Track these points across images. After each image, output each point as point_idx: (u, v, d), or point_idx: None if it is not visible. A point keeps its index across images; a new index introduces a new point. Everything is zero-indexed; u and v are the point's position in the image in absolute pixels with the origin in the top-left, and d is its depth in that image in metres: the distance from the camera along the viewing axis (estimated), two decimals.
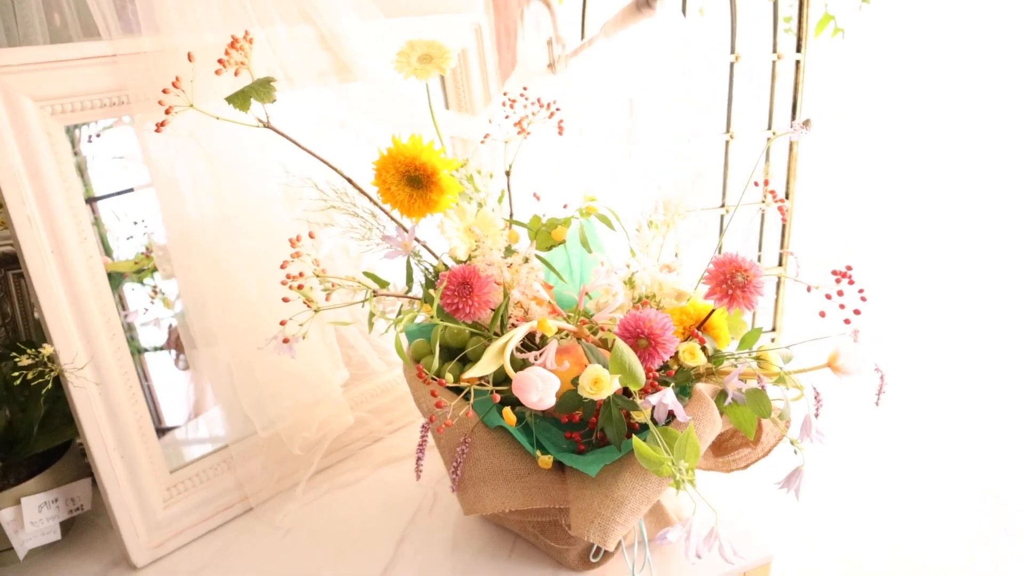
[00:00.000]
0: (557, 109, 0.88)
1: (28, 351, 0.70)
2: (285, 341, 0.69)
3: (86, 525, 0.86)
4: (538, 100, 0.88)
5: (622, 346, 0.62)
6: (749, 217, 1.15)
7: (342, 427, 0.94)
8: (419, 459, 0.70)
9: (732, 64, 1.13)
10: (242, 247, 0.82)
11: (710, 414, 0.66)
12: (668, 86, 0.99)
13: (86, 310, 0.73)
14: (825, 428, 0.65)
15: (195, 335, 0.83)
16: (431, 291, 0.76)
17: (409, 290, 0.81)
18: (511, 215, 0.88)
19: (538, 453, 0.67)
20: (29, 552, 0.79)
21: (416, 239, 0.80)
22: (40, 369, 0.70)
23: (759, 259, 1.26)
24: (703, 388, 0.69)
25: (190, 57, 0.70)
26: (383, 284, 0.82)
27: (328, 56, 0.90)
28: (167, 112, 0.68)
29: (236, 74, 0.72)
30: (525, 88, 0.89)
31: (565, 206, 0.87)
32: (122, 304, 0.85)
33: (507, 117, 0.89)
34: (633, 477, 0.64)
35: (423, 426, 0.69)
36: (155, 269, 0.94)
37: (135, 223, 0.89)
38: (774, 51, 1.16)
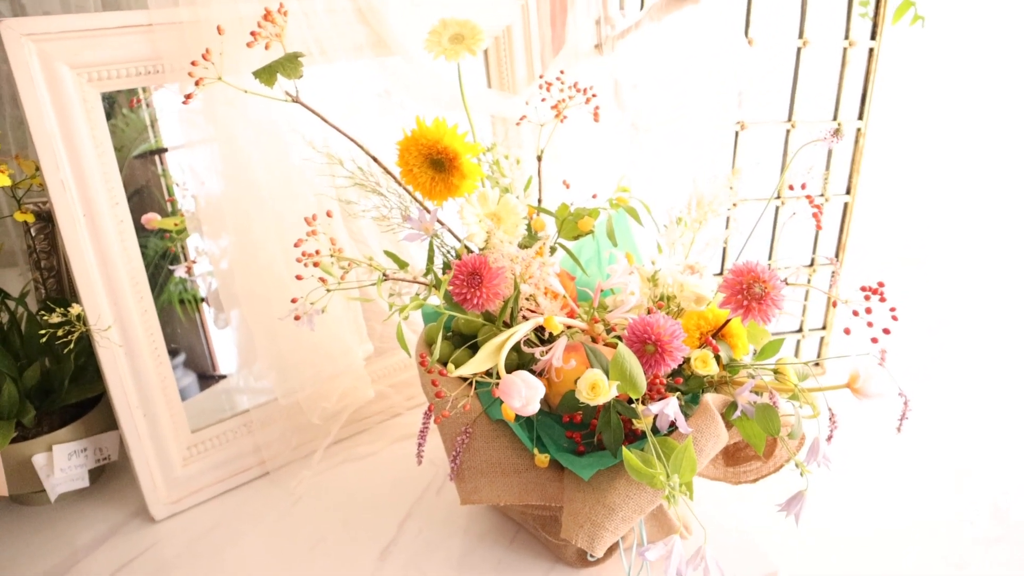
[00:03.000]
0: (594, 95, 0.85)
1: (57, 309, 0.73)
2: (296, 319, 0.70)
3: (113, 474, 0.91)
4: (575, 84, 0.86)
5: (625, 352, 0.60)
6: (798, 212, 1.10)
7: (362, 400, 0.95)
8: (420, 444, 0.71)
9: (799, 50, 1.07)
10: (268, 215, 0.83)
11: (714, 427, 0.64)
12: (720, 73, 0.95)
13: (114, 273, 0.76)
14: (833, 454, 0.62)
15: (223, 298, 0.85)
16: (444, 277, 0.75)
17: (428, 273, 0.81)
18: (539, 202, 0.87)
19: (536, 451, 0.66)
20: (59, 496, 0.84)
21: (439, 222, 0.80)
22: (67, 328, 0.73)
23: (813, 259, 1.20)
24: (710, 400, 0.66)
25: (219, 30, 0.70)
26: (403, 265, 0.82)
27: (365, 30, 0.90)
28: (196, 84, 0.69)
29: (267, 47, 0.73)
30: (563, 72, 0.86)
31: (594, 196, 0.85)
32: (184, 255, 0.89)
33: (543, 100, 0.87)
34: (627, 485, 0.62)
35: (425, 413, 0.69)
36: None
37: (176, 184, 0.92)
38: (846, 37, 1.09)
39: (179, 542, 0.81)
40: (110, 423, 0.87)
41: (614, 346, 0.73)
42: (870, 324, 0.65)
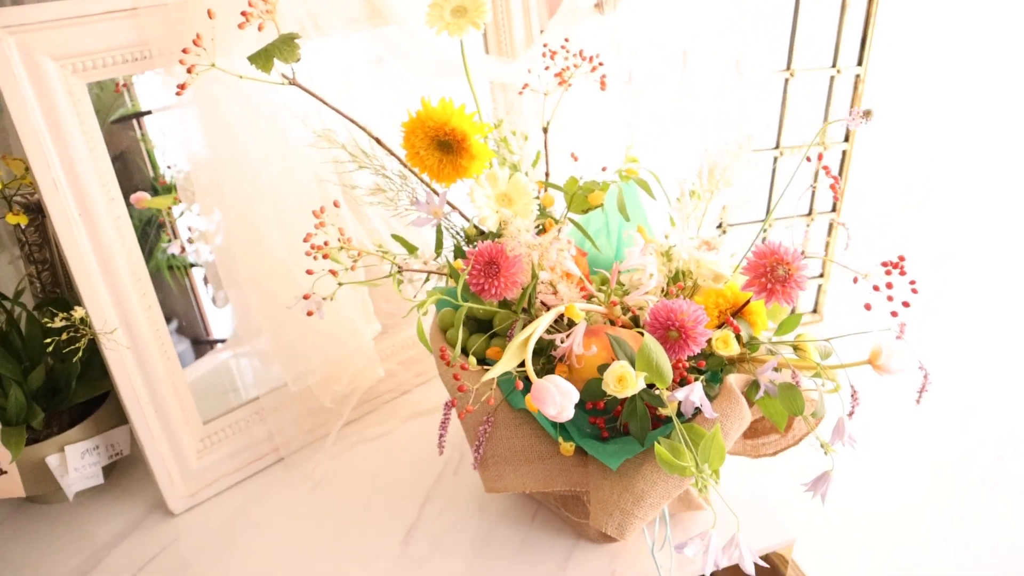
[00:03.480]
0: (600, 63, 0.82)
1: (60, 314, 0.70)
2: (309, 314, 0.68)
3: (127, 468, 0.90)
4: (580, 52, 0.83)
5: (651, 342, 0.59)
6: (802, 166, 1.08)
7: (372, 380, 0.95)
8: (442, 436, 0.70)
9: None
10: (267, 199, 0.80)
11: (739, 410, 0.64)
12: (725, 34, 0.92)
13: (115, 272, 0.73)
14: (858, 432, 0.62)
15: (223, 277, 0.83)
16: (459, 263, 0.73)
17: (438, 256, 0.80)
18: (547, 176, 0.85)
19: (560, 440, 0.66)
20: (77, 494, 0.83)
21: (449, 204, 0.78)
22: (72, 333, 0.71)
23: (809, 217, 1.19)
24: (733, 381, 0.66)
25: (210, 14, 0.66)
26: (412, 249, 0.80)
27: (359, 1, 0.85)
28: (188, 71, 0.66)
29: (260, 28, 0.69)
30: (567, 40, 0.83)
31: (604, 168, 0.83)
32: (172, 227, 0.87)
33: (547, 68, 0.84)
34: (654, 471, 0.63)
35: (446, 404, 0.69)
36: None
37: (168, 167, 0.89)
38: None
39: (200, 534, 0.81)
40: (120, 418, 0.86)
41: (632, 325, 0.73)
42: (890, 299, 0.65)
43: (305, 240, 0.67)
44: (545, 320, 0.63)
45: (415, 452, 0.91)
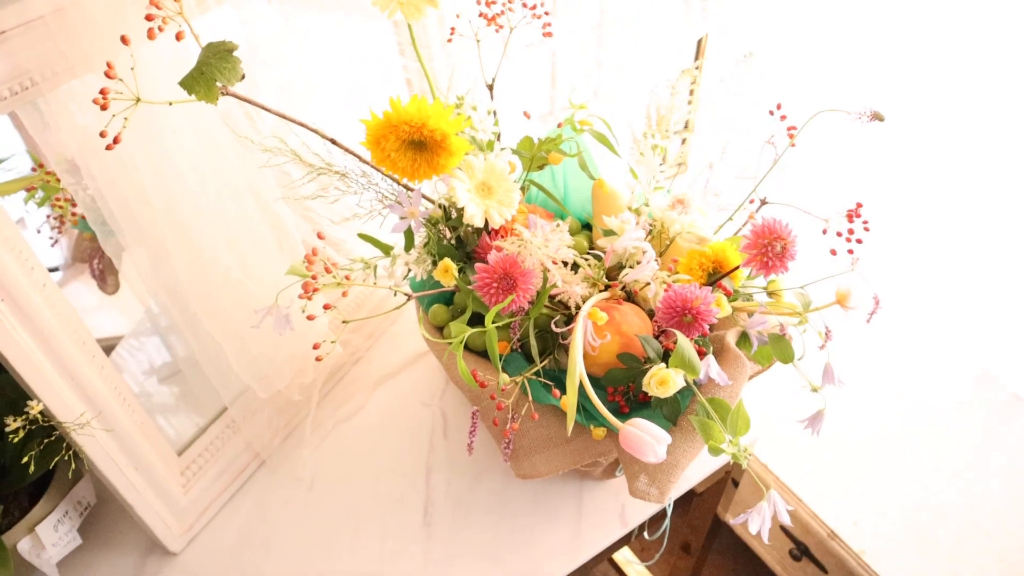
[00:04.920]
0: (546, 12, 0.76)
1: (14, 419, 0.60)
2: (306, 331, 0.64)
3: (99, 516, 0.83)
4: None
5: (684, 342, 0.63)
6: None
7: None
8: (470, 444, 0.71)
9: None
10: (211, 224, 0.70)
11: (743, 368, 0.71)
12: None
13: (60, 349, 0.62)
14: (844, 374, 0.72)
15: (177, 321, 0.74)
16: (445, 260, 0.70)
17: (409, 249, 0.75)
18: (498, 138, 0.80)
19: (591, 427, 0.70)
20: (60, 561, 0.76)
21: (426, 198, 0.73)
22: (34, 427, 0.61)
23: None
24: (731, 339, 0.73)
25: (124, 40, 0.53)
26: (387, 249, 0.75)
27: None
28: (103, 109, 0.54)
29: (179, 37, 0.56)
30: None
31: (560, 125, 0.80)
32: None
33: (481, 16, 0.77)
34: (683, 439, 0.69)
35: (473, 412, 0.69)
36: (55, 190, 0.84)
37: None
38: None
39: (210, 567, 0.78)
40: (76, 472, 0.77)
41: (628, 299, 0.76)
42: (851, 252, 0.72)
43: (305, 290, 0.61)
44: (579, 334, 0.64)
45: (397, 423, 0.91)
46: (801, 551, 1.22)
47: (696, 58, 1.07)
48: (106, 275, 0.94)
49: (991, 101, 1.32)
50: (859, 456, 1.15)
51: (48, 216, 0.86)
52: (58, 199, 0.85)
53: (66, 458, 0.62)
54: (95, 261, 0.94)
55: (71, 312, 0.64)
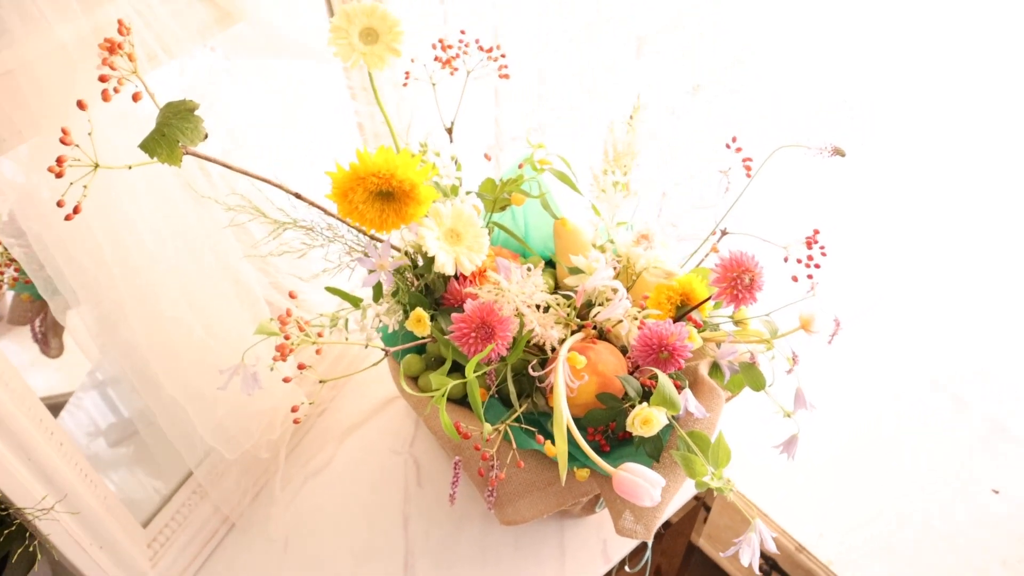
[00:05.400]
0: (503, 56, 0.77)
1: None
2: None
3: None
4: (476, 41, 0.76)
5: (664, 380, 0.64)
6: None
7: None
8: (452, 495, 0.70)
9: None
10: (172, 286, 0.67)
11: (719, 400, 0.72)
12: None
13: (17, 430, 0.59)
14: (815, 399, 0.74)
15: (134, 383, 0.71)
16: (417, 309, 0.69)
17: (378, 300, 0.74)
18: (459, 182, 0.80)
19: (574, 468, 0.70)
20: None
21: (394, 247, 0.72)
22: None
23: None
24: (704, 372, 0.74)
25: (81, 105, 0.51)
26: (356, 302, 0.74)
27: (205, 6, 0.68)
28: (58, 176, 0.52)
29: (136, 98, 0.55)
30: (463, 31, 0.75)
31: (521, 166, 0.81)
32: None
33: (437, 59, 0.77)
34: (666, 474, 0.70)
35: (456, 463, 0.68)
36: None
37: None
38: None
39: None
40: (29, 553, 0.73)
41: (602, 338, 0.76)
42: (810, 277, 0.74)
43: (279, 350, 0.59)
44: (561, 384, 0.64)
45: (369, 473, 0.89)
46: (770, 566, 1.24)
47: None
48: (49, 338, 0.89)
49: (946, 117, 1.37)
50: (822, 470, 1.18)
51: None
52: None
53: (30, 548, 0.58)
54: (37, 323, 0.89)
55: (25, 389, 0.61)
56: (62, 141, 0.51)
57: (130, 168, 0.55)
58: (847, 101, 1.20)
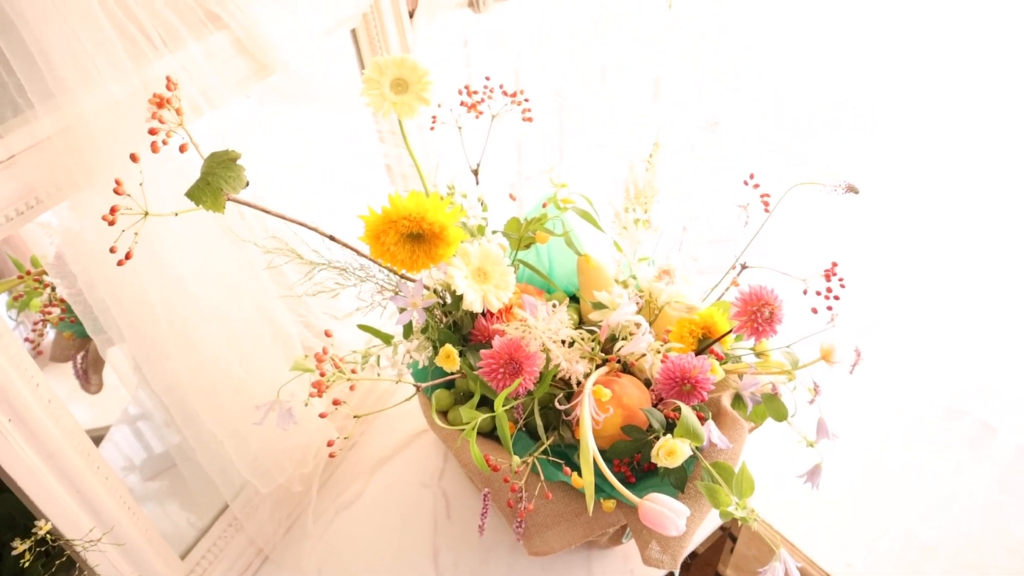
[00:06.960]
0: (526, 100, 0.80)
1: (21, 541, 0.59)
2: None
3: None
4: (501, 87, 0.80)
5: (687, 412, 0.65)
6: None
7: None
8: (482, 526, 0.71)
9: None
10: (213, 327, 0.70)
11: (741, 429, 0.73)
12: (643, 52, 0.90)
13: (66, 464, 0.62)
14: (838, 429, 0.75)
15: (175, 418, 0.74)
16: (447, 346, 0.72)
17: (408, 337, 0.76)
18: (486, 222, 0.83)
19: (601, 499, 0.71)
20: None
21: (425, 287, 0.74)
22: (45, 547, 0.60)
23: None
24: (726, 403, 0.75)
25: (134, 158, 0.54)
26: (387, 339, 0.76)
27: (245, 60, 0.72)
28: (110, 224, 0.55)
29: (183, 149, 0.58)
30: (488, 78, 0.79)
31: (545, 205, 0.83)
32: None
33: (463, 104, 0.80)
34: (691, 505, 0.70)
35: (485, 494, 0.70)
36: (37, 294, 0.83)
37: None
38: None
39: None
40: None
41: (626, 371, 0.78)
42: (830, 308, 0.75)
43: (315, 387, 0.62)
44: (587, 427, 0.65)
45: (399, 506, 0.91)
46: None
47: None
48: (90, 374, 0.93)
49: (946, 118, 1.36)
50: (849, 498, 1.18)
51: (36, 323, 0.85)
52: (46, 306, 0.84)
53: None
54: (78, 360, 0.93)
55: (75, 425, 0.64)
56: (115, 192, 0.54)
57: (176, 215, 0.59)
58: (849, 100, 1.21)
